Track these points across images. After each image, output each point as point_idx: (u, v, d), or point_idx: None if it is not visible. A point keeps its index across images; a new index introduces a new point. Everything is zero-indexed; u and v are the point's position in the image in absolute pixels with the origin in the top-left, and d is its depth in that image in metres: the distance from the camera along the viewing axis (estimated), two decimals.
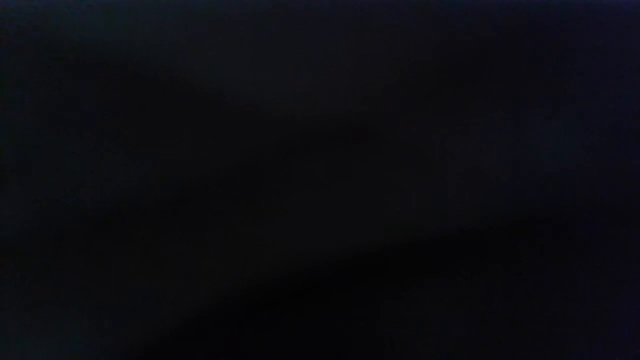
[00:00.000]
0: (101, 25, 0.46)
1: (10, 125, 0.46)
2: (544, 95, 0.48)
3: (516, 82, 0.48)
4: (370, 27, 0.47)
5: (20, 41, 0.46)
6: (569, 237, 0.48)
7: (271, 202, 0.47)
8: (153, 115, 0.46)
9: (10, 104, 0.46)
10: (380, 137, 0.47)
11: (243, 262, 0.47)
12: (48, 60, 0.46)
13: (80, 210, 0.46)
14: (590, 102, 0.48)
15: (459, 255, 0.47)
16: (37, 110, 0.46)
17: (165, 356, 0.46)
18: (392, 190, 0.47)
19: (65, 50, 0.46)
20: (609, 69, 0.48)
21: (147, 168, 0.46)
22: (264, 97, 0.47)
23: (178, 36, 0.46)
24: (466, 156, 0.48)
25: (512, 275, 0.48)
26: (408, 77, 0.47)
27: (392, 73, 0.47)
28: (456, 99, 0.48)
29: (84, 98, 0.46)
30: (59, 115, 0.46)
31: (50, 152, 0.46)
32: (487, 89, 0.48)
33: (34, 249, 0.46)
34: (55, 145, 0.46)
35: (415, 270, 0.47)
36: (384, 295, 0.47)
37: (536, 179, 0.48)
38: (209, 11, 0.46)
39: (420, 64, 0.47)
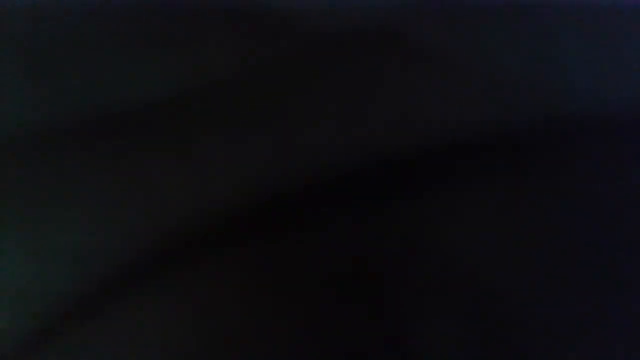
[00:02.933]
0: None
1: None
2: None
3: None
4: None
5: None
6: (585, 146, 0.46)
7: (291, 105, 0.46)
8: (163, 18, 0.46)
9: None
10: (396, 41, 0.46)
11: (257, 170, 0.45)
12: None
13: (81, 111, 0.45)
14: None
15: (472, 163, 0.46)
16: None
17: (163, 270, 0.44)
18: (404, 97, 0.46)
19: None
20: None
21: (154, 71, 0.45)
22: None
23: None
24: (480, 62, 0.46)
25: (522, 186, 0.46)
26: None
27: None
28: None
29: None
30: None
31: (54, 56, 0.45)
32: None
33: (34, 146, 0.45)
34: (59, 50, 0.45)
35: (425, 178, 0.46)
36: (396, 203, 0.46)
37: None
38: None
39: None
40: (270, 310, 0.44)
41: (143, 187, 0.44)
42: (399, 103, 0.46)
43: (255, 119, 0.45)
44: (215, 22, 0.46)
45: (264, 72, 0.46)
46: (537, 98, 0.46)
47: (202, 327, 0.44)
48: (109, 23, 0.45)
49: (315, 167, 0.45)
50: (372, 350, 0.44)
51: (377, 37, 0.46)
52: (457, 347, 0.44)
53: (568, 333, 0.45)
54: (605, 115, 0.46)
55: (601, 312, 0.45)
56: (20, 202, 0.44)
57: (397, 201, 0.45)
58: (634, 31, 0.47)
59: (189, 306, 0.44)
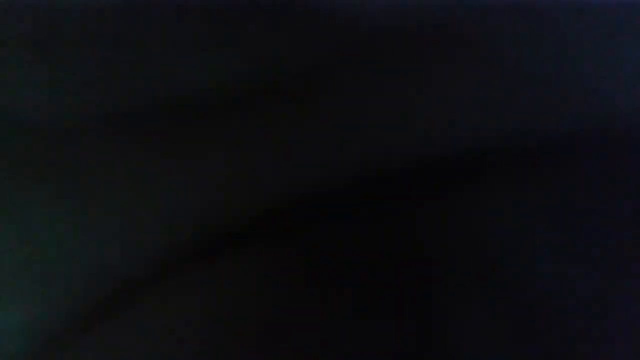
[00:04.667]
0: None
1: None
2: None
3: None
4: None
5: None
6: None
7: (321, 105, 0.45)
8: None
9: None
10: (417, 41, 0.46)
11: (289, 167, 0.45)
12: None
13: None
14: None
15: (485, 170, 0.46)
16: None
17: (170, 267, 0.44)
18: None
19: None
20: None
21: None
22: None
23: None
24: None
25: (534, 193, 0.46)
26: None
27: None
28: None
29: None
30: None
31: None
32: None
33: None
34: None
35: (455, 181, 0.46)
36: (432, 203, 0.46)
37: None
38: None
39: None
40: (285, 312, 0.44)
41: (158, 187, 0.45)
42: (443, 104, 0.46)
43: (295, 118, 0.46)
44: (256, 20, 0.45)
45: (307, 71, 0.46)
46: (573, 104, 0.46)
47: (217, 326, 0.44)
48: (140, 21, 0.45)
49: (349, 168, 0.45)
50: (383, 351, 0.44)
51: (419, 35, 0.46)
52: (486, 346, 0.44)
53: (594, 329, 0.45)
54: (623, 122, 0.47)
55: (613, 313, 0.45)
56: (32, 200, 0.44)
57: (433, 201, 0.46)
58: None
59: (204, 306, 0.44)
